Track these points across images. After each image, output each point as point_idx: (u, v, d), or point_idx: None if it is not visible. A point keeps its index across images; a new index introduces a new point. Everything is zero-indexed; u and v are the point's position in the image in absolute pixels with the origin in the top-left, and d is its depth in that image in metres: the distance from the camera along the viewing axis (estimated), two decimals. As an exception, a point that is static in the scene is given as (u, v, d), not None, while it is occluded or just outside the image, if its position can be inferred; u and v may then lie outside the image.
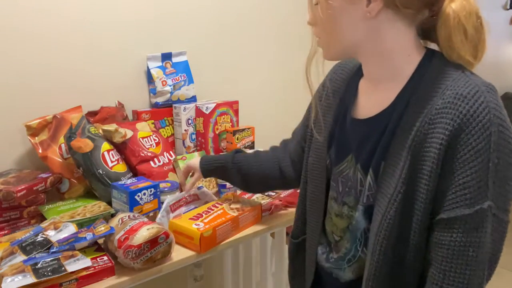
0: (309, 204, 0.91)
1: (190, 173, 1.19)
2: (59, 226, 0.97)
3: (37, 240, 0.92)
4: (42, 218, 1.11)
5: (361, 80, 0.84)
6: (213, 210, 1.12)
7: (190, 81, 1.60)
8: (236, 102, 1.68)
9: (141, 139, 1.33)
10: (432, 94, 0.68)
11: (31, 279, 0.80)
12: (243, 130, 1.63)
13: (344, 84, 0.88)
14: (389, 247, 0.70)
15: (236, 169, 1.07)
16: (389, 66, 0.74)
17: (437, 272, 0.67)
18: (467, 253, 0.65)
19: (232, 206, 1.15)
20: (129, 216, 0.99)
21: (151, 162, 1.31)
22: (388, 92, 0.74)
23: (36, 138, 1.26)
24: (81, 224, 1.03)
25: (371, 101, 0.79)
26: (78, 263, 0.87)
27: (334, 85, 0.90)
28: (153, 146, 1.35)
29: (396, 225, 0.69)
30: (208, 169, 1.12)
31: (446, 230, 0.66)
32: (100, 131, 1.26)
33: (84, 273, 0.87)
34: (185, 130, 1.57)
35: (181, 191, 1.20)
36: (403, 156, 0.68)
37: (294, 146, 1.02)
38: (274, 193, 1.34)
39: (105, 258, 0.93)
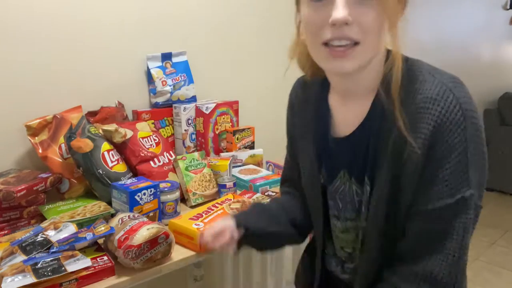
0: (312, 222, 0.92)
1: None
2: (59, 226, 0.97)
3: (37, 240, 0.92)
4: (42, 218, 1.11)
5: (330, 95, 0.83)
6: (213, 210, 1.12)
7: (190, 81, 1.60)
8: (236, 102, 1.68)
9: (141, 139, 1.33)
10: (403, 100, 0.69)
11: (31, 279, 0.80)
12: (243, 130, 1.63)
13: (313, 102, 0.85)
14: (378, 239, 0.75)
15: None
16: (372, 74, 0.73)
17: (419, 253, 0.70)
18: (451, 238, 0.67)
19: (232, 206, 1.15)
20: (129, 216, 0.99)
21: (151, 162, 1.31)
22: (361, 104, 0.75)
23: (36, 138, 1.26)
24: (81, 224, 1.03)
25: (347, 116, 0.78)
26: (78, 263, 0.87)
27: (304, 107, 0.88)
28: (153, 146, 1.35)
29: (384, 223, 0.73)
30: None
31: (429, 220, 0.68)
32: (100, 131, 1.26)
33: (84, 273, 0.87)
34: (185, 130, 1.57)
35: None
36: (387, 162, 0.70)
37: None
38: (274, 193, 1.34)
39: (105, 258, 0.93)
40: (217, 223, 0.87)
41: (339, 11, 0.63)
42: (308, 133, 0.85)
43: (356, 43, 0.65)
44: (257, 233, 0.88)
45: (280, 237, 0.92)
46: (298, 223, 0.92)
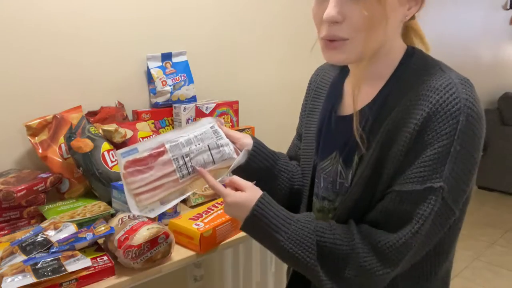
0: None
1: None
2: (59, 226, 0.97)
3: (37, 240, 0.92)
4: (42, 218, 1.11)
5: (346, 80, 0.86)
6: (213, 210, 1.12)
7: (190, 81, 1.60)
8: (236, 102, 1.68)
9: (141, 139, 1.33)
10: (408, 88, 0.71)
11: (31, 279, 0.80)
12: (243, 130, 1.63)
13: (328, 86, 0.90)
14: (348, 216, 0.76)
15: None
16: (383, 65, 0.76)
17: (381, 226, 0.71)
18: (410, 222, 0.67)
19: (232, 206, 1.15)
20: (129, 216, 0.99)
21: (151, 162, 1.31)
22: (371, 89, 0.77)
23: (36, 138, 1.26)
24: (81, 224, 1.03)
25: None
26: (78, 263, 0.87)
27: (319, 87, 0.93)
28: (153, 146, 1.35)
29: (354, 204, 0.75)
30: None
31: (396, 201, 0.69)
32: (100, 131, 1.26)
33: (84, 273, 0.87)
34: (185, 130, 1.57)
35: None
36: (374, 144, 0.72)
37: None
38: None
39: (105, 258, 0.93)
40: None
41: (329, 10, 0.68)
42: (316, 111, 0.90)
43: (346, 39, 0.69)
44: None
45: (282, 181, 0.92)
46: (296, 186, 0.94)
